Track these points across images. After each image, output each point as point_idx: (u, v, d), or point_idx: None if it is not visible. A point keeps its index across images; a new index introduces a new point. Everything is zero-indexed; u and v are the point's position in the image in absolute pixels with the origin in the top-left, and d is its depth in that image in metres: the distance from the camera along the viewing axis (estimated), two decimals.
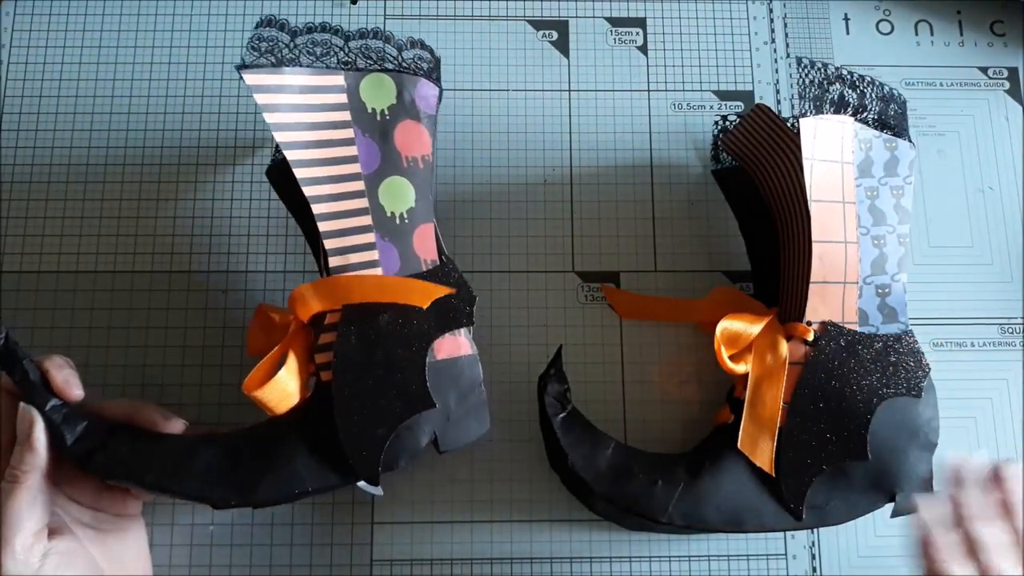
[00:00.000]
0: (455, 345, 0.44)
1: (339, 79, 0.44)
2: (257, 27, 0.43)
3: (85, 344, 0.50)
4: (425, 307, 0.43)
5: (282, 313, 0.46)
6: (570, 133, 0.56)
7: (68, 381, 0.41)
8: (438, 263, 0.45)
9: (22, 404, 0.40)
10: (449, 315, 0.43)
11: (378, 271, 0.43)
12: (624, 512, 0.44)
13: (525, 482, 0.50)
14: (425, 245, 0.45)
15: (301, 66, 0.43)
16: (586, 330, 0.52)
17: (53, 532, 0.39)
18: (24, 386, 0.40)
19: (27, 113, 0.54)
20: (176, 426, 0.42)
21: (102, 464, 0.40)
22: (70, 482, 0.41)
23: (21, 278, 0.52)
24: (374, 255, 0.43)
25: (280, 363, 0.42)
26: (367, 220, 0.43)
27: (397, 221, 0.44)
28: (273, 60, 0.42)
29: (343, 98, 0.44)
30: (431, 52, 0.46)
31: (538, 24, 0.58)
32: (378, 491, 0.44)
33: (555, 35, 0.57)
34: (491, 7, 0.58)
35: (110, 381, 0.50)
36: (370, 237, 0.43)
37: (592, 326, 0.52)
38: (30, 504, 0.38)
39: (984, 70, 0.58)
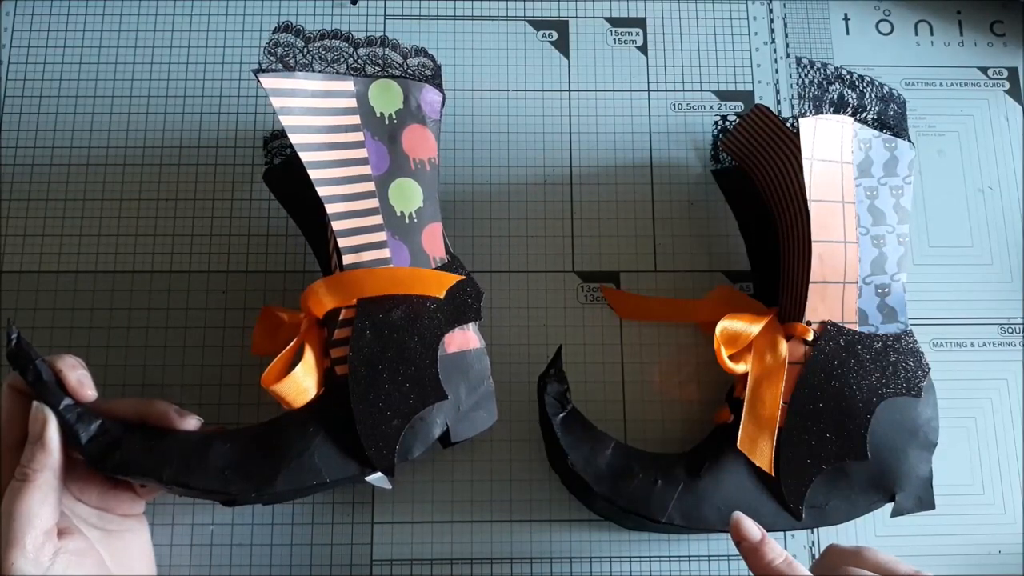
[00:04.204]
0: (464, 339, 0.45)
1: (349, 84, 0.45)
2: (274, 32, 0.44)
3: (85, 344, 0.51)
4: (442, 296, 0.44)
5: (290, 312, 0.46)
6: (570, 133, 0.56)
7: (82, 382, 0.41)
8: (447, 260, 0.46)
9: (35, 403, 0.40)
10: (458, 310, 0.45)
11: (390, 267, 0.44)
12: (624, 512, 0.44)
13: (525, 482, 0.50)
14: (433, 243, 0.46)
15: (313, 71, 0.44)
16: (586, 330, 0.52)
17: (63, 532, 0.39)
18: (37, 386, 0.40)
19: (27, 113, 0.54)
20: (191, 423, 0.42)
21: (118, 462, 0.40)
22: (77, 482, 0.41)
23: (21, 278, 0.52)
24: (386, 253, 0.44)
25: (296, 358, 0.43)
26: (378, 219, 0.44)
27: (407, 220, 0.45)
28: (287, 65, 0.43)
29: (353, 102, 0.45)
30: (433, 60, 0.48)
31: (538, 24, 0.58)
32: (387, 484, 0.44)
33: (555, 35, 0.57)
34: (491, 7, 0.58)
35: (110, 381, 0.50)
36: (382, 236, 0.44)
37: (592, 326, 0.52)
38: (41, 503, 0.38)
39: (984, 70, 0.58)
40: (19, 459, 0.39)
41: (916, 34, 0.59)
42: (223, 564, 0.48)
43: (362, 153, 0.45)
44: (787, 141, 0.48)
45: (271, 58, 0.43)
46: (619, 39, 0.58)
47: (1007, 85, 0.58)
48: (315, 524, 0.49)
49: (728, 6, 0.58)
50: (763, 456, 0.44)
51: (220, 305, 0.52)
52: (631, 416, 0.51)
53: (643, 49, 0.57)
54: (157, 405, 0.42)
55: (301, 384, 0.43)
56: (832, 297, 0.46)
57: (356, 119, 0.45)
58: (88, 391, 0.41)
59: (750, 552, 0.40)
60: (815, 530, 0.50)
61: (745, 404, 0.45)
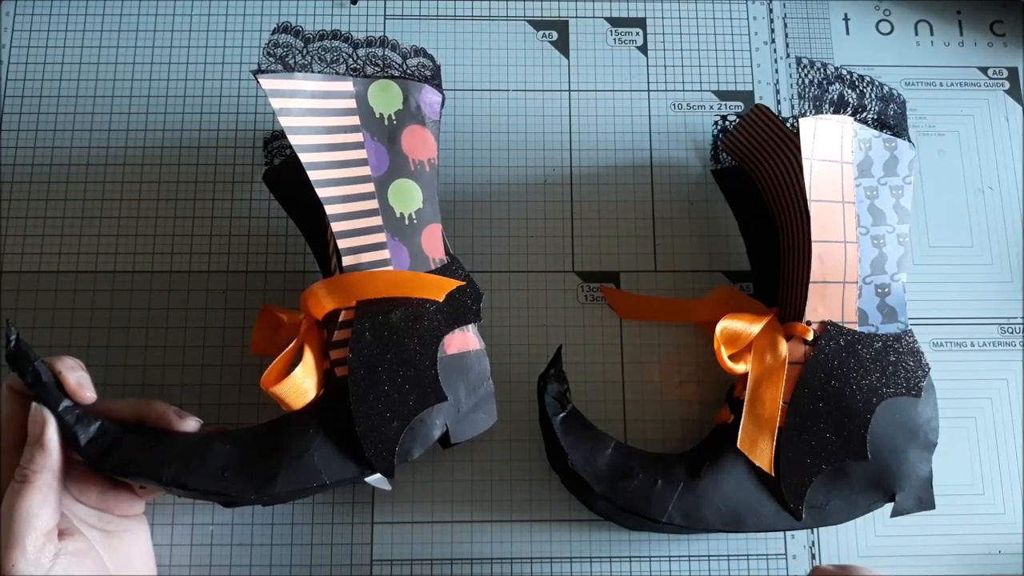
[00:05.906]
0: (464, 340, 0.45)
1: (348, 85, 0.45)
2: (273, 33, 0.44)
3: (85, 344, 0.51)
4: (441, 299, 0.44)
5: (289, 313, 0.46)
6: (570, 133, 0.56)
7: (81, 383, 0.41)
8: (446, 261, 0.46)
9: (34, 404, 0.40)
10: (458, 311, 0.45)
11: (389, 269, 0.44)
12: (624, 512, 0.44)
13: (525, 482, 0.50)
14: (433, 244, 0.46)
15: (313, 72, 0.44)
16: (586, 330, 0.52)
17: (63, 533, 0.39)
18: (36, 387, 0.40)
19: (27, 113, 0.54)
20: (190, 424, 0.42)
21: (117, 463, 0.40)
22: (77, 483, 0.41)
23: (21, 278, 0.52)
24: (385, 254, 0.44)
25: (296, 359, 0.43)
26: (378, 220, 0.44)
27: (406, 221, 0.45)
28: (287, 65, 0.43)
29: (352, 103, 0.45)
30: (433, 60, 0.48)
31: (538, 24, 0.58)
32: (387, 484, 0.45)
33: (555, 35, 0.57)
34: (491, 7, 0.58)
35: (110, 381, 0.50)
36: (381, 237, 0.44)
37: (592, 326, 0.52)
38: (41, 504, 0.38)
39: (984, 70, 0.58)
40: (19, 460, 0.39)
41: (916, 34, 0.59)
42: (223, 564, 0.48)
43: (361, 154, 0.45)
44: (787, 141, 0.48)
45: (270, 59, 0.43)
46: (619, 39, 0.58)
47: (1007, 85, 0.58)
48: (315, 524, 0.49)
49: (728, 6, 0.58)
50: (763, 456, 0.44)
51: (220, 305, 0.52)
52: (631, 416, 0.51)
53: (643, 49, 0.57)
54: (156, 406, 0.42)
55: (301, 386, 0.43)
56: (832, 297, 0.46)
57: (355, 120, 0.45)
58: (87, 392, 0.41)
59: None
60: (815, 530, 0.50)
61: (745, 404, 0.45)
